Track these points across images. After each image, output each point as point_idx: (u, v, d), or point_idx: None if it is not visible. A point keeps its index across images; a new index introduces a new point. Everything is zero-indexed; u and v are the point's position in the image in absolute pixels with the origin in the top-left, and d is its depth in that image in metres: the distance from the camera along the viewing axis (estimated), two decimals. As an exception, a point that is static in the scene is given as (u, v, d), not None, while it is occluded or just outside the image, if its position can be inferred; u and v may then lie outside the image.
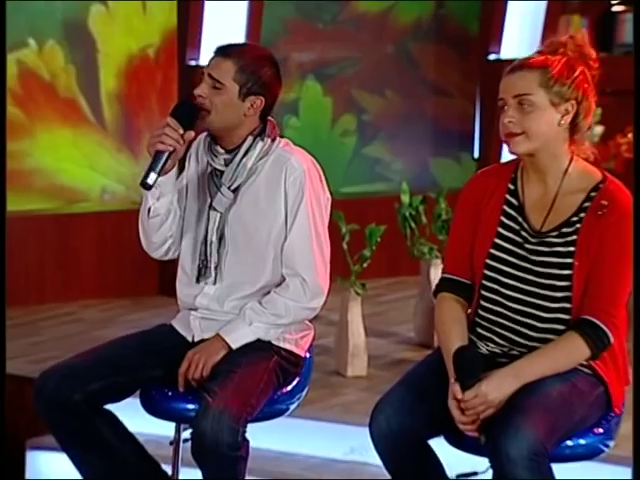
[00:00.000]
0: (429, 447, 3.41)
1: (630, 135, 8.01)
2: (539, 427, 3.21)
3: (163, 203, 3.70)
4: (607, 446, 3.45)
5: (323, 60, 7.74)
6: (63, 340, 6.25)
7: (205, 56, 7.23)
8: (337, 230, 5.48)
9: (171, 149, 3.62)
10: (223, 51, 3.73)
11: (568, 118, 3.38)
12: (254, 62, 3.70)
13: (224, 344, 3.68)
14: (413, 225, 5.85)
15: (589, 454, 3.45)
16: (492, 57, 7.93)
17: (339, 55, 7.78)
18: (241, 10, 7.28)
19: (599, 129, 8.02)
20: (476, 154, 7.99)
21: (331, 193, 7.78)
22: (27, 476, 5.30)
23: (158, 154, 3.63)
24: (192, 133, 3.67)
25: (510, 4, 7.94)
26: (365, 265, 5.56)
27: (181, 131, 3.63)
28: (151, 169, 3.62)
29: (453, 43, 8.03)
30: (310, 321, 3.88)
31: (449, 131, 8.03)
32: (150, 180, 3.62)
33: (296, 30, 7.66)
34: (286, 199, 3.70)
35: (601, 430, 3.44)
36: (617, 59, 8.23)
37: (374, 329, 6.07)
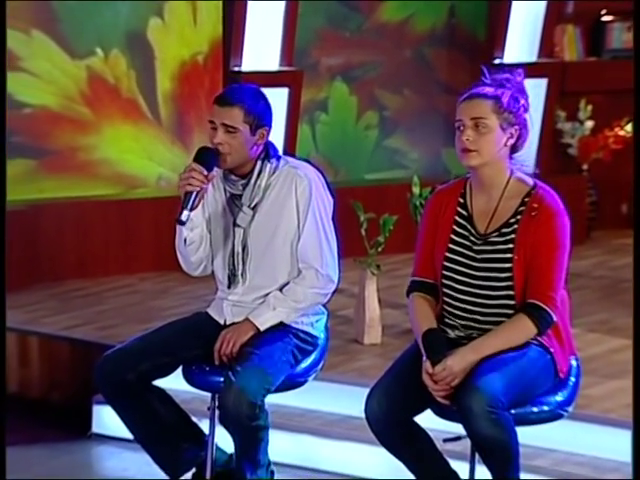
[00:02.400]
0: (415, 423, 3.51)
1: (617, 129, 8.03)
2: (495, 385, 3.31)
3: (196, 233, 3.78)
4: (566, 411, 3.57)
5: (349, 64, 7.76)
6: (124, 309, 6.28)
7: (246, 62, 7.26)
8: (356, 218, 5.51)
9: (198, 189, 3.68)
10: (227, 101, 3.74)
11: (512, 140, 3.49)
12: (254, 101, 3.75)
13: (252, 326, 3.74)
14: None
15: (552, 417, 3.56)
16: (497, 61, 7.91)
17: (363, 59, 7.80)
18: (277, 22, 7.30)
19: (589, 124, 8.02)
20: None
21: (356, 179, 7.80)
22: (93, 427, 5.35)
23: (187, 194, 3.69)
24: (214, 173, 3.73)
25: (513, 15, 7.92)
26: (380, 249, 5.56)
27: (205, 172, 3.68)
28: (183, 208, 3.69)
29: (463, 48, 8.02)
30: (324, 305, 3.93)
31: (459, 125, 8.12)
32: (184, 217, 3.70)
33: (326, 38, 7.68)
34: (297, 207, 3.76)
35: (560, 397, 3.55)
36: (606, 63, 8.31)
37: (389, 301, 6.04)
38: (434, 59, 7.98)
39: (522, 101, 3.51)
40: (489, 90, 3.49)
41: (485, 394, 3.29)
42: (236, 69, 7.22)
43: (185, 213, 3.69)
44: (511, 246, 3.47)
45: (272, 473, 3.84)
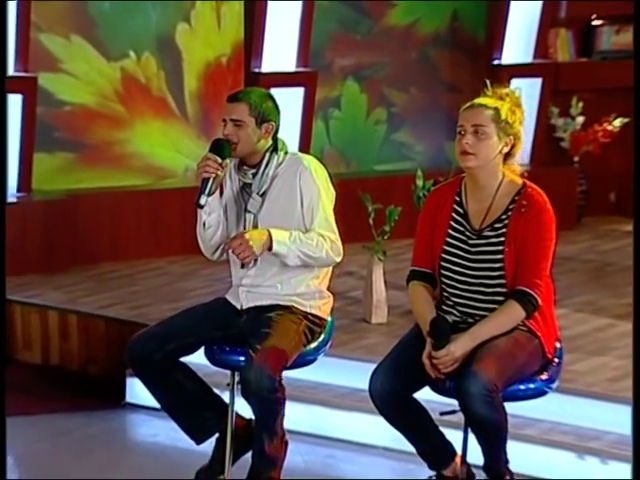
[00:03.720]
0: (414, 399, 3.57)
1: (605, 124, 8.02)
2: (491, 370, 3.37)
3: (214, 217, 3.81)
4: (550, 388, 3.61)
5: (360, 64, 7.74)
6: (154, 290, 6.29)
7: (265, 64, 7.27)
8: (365, 208, 5.54)
9: (214, 175, 3.72)
10: (235, 98, 3.83)
11: (506, 148, 3.55)
12: (260, 99, 3.80)
13: (269, 239, 3.68)
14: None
15: (538, 394, 3.61)
16: (495, 62, 7.95)
17: (373, 60, 7.78)
18: (294, 27, 7.31)
19: (580, 119, 8.01)
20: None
21: (366, 170, 7.67)
22: (126, 397, 5.37)
23: (204, 181, 3.74)
24: (228, 161, 3.78)
25: (510, 19, 7.91)
26: (386, 237, 5.59)
27: (219, 160, 3.73)
28: (201, 193, 3.74)
29: (464, 50, 8.01)
30: (330, 292, 3.94)
31: (461, 120, 8.13)
32: (202, 201, 3.74)
33: (339, 41, 7.67)
34: (301, 193, 3.77)
35: (545, 377, 3.59)
36: (595, 64, 8.29)
37: (395, 283, 5.97)
38: (438, 60, 7.96)
39: (518, 114, 3.56)
40: (490, 101, 3.55)
41: (482, 379, 3.35)
42: (256, 70, 7.24)
43: (203, 198, 3.74)
44: (502, 239, 3.52)
45: (286, 443, 3.87)
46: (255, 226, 3.80)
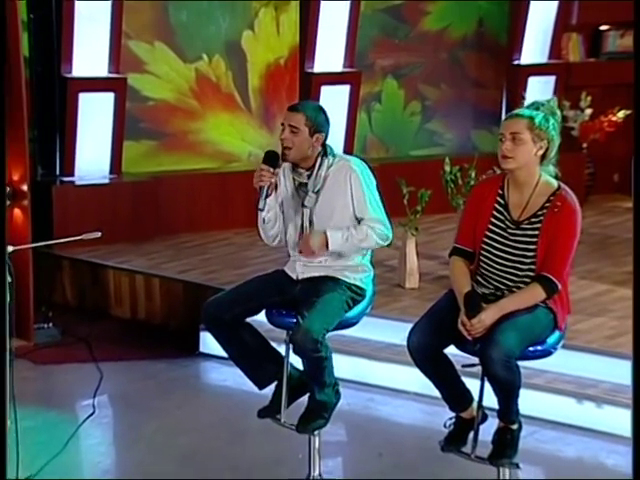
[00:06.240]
0: (443, 353, 3.61)
1: (610, 116, 7.98)
2: (511, 340, 3.41)
3: (271, 214, 3.84)
4: (555, 349, 3.65)
5: (398, 64, 7.79)
6: (222, 257, 6.33)
7: (317, 65, 7.31)
8: (400, 191, 5.59)
9: (268, 183, 3.76)
10: (295, 108, 3.82)
11: (541, 151, 3.53)
12: (315, 112, 3.81)
13: (326, 242, 3.74)
14: (452, 186, 5.76)
15: (544, 355, 3.64)
16: (515, 62, 7.94)
17: (409, 61, 7.82)
18: (342, 33, 7.36)
19: (588, 111, 7.95)
20: (502, 127, 8.03)
21: (403, 155, 7.46)
22: (200, 347, 5.42)
23: (261, 188, 3.78)
24: (278, 170, 3.81)
25: (529, 25, 7.90)
26: (418, 216, 5.61)
27: (272, 170, 3.76)
28: (259, 198, 3.79)
29: (489, 51, 8.01)
30: (372, 265, 3.96)
31: (484, 111, 8.00)
32: (261, 205, 3.80)
33: (380, 44, 7.71)
34: (351, 190, 3.80)
35: (551, 341, 3.62)
36: (602, 63, 8.26)
37: (426, 253, 6.05)
38: (465, 60, 7.97)
39: (552, 121, 3.54)
40: (526, 112, 3.55)
41: (503, 347, 3.38)
42: (309, 70, 7.27)
43: (262, 201, 3.81)
44: (537, 232, 3.52)
45: (338, 392, 3.85)
46: (311, 219, 3.86)
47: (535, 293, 3.53)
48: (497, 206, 3.62)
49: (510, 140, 3.51)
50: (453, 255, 3.67)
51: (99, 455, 4.36)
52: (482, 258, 3.63)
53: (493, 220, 3.61)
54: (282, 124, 3.84)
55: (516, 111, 3.59)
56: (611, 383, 4.62)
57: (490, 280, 3.62)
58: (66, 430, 4.47)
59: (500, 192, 3.63)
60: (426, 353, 3.55)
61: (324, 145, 3.86)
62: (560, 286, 3.54)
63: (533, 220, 3.56)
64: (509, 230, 3.58)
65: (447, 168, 5.83)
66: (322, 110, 3.87)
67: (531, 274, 3.56)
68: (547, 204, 3.54)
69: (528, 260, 3.55)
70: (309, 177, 3.85)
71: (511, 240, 3.58)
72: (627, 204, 7.70)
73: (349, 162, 3.87)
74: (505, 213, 3.60)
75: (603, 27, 8.28)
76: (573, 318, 4.75)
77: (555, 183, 3.59)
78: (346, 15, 7.34)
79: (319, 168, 3.84)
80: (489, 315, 3.48)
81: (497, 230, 3.60)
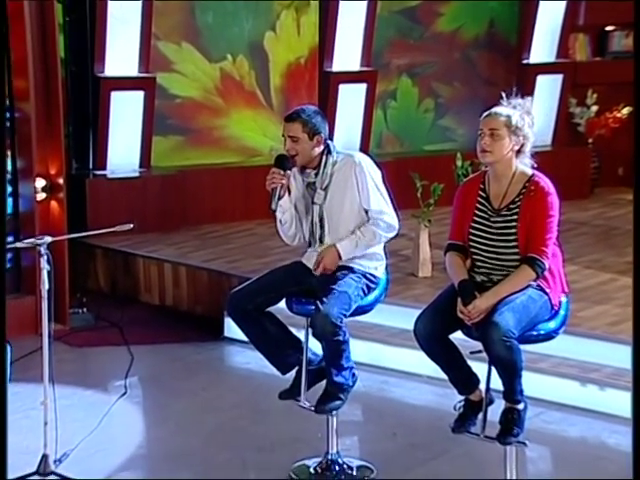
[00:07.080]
0: (449, 340, 3.66)
1: (615, 112, 8.00)
2: (508, 321, 3.44)
3: (287, 215, 3.89)
4: (557, 333, 3.67)
5: (413, 63, 7.79)
6: (245, 247, 6.36)
7: (335, 64, 7.32)
8: (414, 184, 5.61)
9: (280, 185, 3.80)
10: (290, 118, 3.83)
11: (517, 146, 3.59)
12: (309, 117, 3.80)
13: (338, 255, 3.80)
14: (464, 180, 5.80)
15: (546, 339, 3.67)
16: (525, 61, 7.94)
17: (423, 60, 7.82)
18: (359, 33, 7.37)
19: (594, 108, 7.99)
20: (512, 124, 8.03)
21: (417, 150, 7.33)
22: (224, 332, 5.46)
23: (274, 190, 3.82)
24: (289, 172, 3.83)
25: (537, 26, 7.89)
26: (431, 209, 5.63)
27: (282, 173, 3.79)
28: (272, 199, 3.84)
29: (499, 51, 8.01)
30: (385, 252, 3.99)
31: (495, 108, 8.12)
32: (273, 206, 3.84)
33: (395, 44, 7.71)
34: (357, 183, 3.82)
35: (552, 325, 3.65)
36: (608, 62, 8.26)
37: (438, 243, 5.76)
38: (477, 59, 7.97)
39: (527, 120, 3.60)
40: (504, 110, 3.62)
41: (501, 327, 3.41)
42: (328, 69, 7.29)
43: (274, 203, 3.84)
44: (516, 217, 3.60)
45: (354, 375, 3.86)
46: (321, 214, 3.88)
47: (525, 274, 3.57)
48: (480, 199, 3.68)
49: (489, 136, 3.58)
50: (448, 251, 3.73)
51: (131, 432, 4.42)
52: (471, 249, 3.69)
53: (477, 212, 3.67)
54: (283, 135, 3.85)
55: (495, 109, 3.64)
56: (613, 367, 4.64)
57: (482, 268, 3.67)
58: (100, 409, 4.54)
59: (482, 186, 3.69)
60: (431, 339, 3.60)
61: (326, 144, 3.87)
62: (547, 264, 3.57)
63: (511, 207, 3.62)
64: (491, 219, 3.64)
65: (459, 163, 5.84)
66: (317, 112, 3.87)
67: (515, 257, 3.60)
68: (523, 190, 3.61)
69: (511, 244, 3.60)
70: (316, 175, 3.87)
71: (494, 227, 3.63)
72: (631, 197, 7.66)
73: (353, 157, 3.88)
74: (487, 204, 3.66)
75: (609, 27, 8.28)
76: (577, 306, 4.79)
77: (530, 172, 3.64)
78: (363, 17, 7.37)
79: (324, 166, 3.86)
80: (483, 301, 3.53)
81: (481, 220, 3.66)
